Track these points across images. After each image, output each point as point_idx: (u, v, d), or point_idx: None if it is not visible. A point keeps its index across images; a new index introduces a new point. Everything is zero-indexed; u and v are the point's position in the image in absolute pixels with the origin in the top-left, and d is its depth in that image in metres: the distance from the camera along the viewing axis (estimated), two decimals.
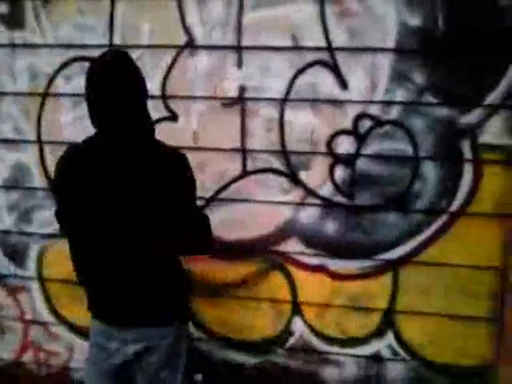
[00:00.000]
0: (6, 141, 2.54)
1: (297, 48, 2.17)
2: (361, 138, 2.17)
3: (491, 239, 2.13)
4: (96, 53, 2.18)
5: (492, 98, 2.05)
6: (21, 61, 2.46)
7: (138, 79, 1.62)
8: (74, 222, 1.65)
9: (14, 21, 2.45)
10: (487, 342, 2.23)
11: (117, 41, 2.35)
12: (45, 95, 2.46)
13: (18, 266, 2.62)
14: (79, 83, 2.38)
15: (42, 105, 2.48)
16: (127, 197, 1.58)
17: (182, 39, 2.29)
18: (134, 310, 1.66)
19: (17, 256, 2.62)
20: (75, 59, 2.42)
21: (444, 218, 2.16)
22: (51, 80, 2.45)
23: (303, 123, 2.23)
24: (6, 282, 2.66)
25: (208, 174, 2.33)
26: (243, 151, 2.29)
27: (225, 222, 2.35)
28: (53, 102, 2.45)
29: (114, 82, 1.55)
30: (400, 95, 2.11)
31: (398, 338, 2.30)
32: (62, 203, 1.68)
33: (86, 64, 2.27)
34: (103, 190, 1.58)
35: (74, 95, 2.42)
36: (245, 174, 2.31)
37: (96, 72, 1.57)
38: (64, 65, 2.42)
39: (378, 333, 2.32)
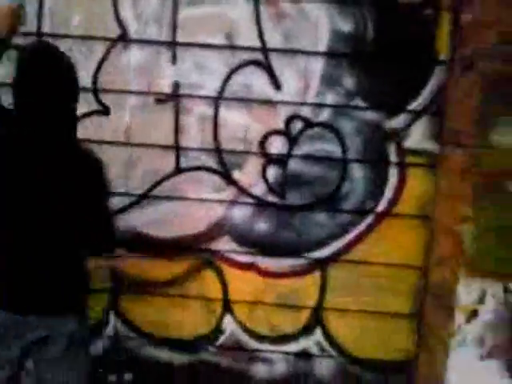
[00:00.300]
0: None
1: (231, 47, 2.24)
2: (292, 139, 2.28)
3: (414, 239, 2.31)
4: (24, 41, 2.20)
5: (416, 103, 2.21)
6: None
7: (70, 74, 1.68)
8: None
9: None
10: (410, 337, 2.40)
11: (45, 29, 2.33)
12: None
13: None
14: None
15: None
16: (41, 188, 1.64)
17: (115, 32, 2.30)
18: (36, 298, 1.70)
19: None
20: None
21: (370, 218, 2.31)
22: None
23: (237, 122, 2.30)
24: None
25: (140, 171, 2.36)
26: (176, 148, 2.34)
27: (157, 220, 2.38)
28: None
29: (46, 73, 1.60)
30: (330, 98, 2.23)
31: (326, 334, 2.43)
32: None
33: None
34: (21, 176, 1.64)
35: None
36: (178, 171, 2.35)
37: (28, 62, 1.60)
38: None
39: (307, 330, 2.44)
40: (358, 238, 2.30)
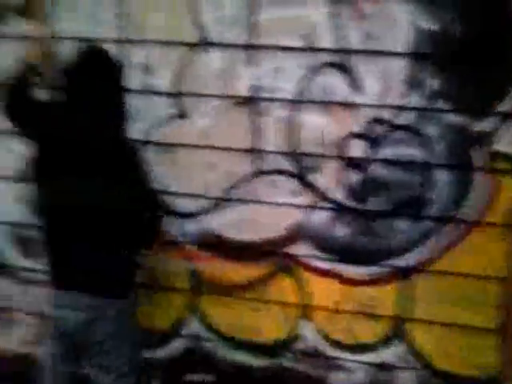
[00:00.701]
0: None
1: (311, 49, 2.38)
2: (373, 142, 2.40)
3: (502, 249, 2.35)
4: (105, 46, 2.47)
5: (505, 105, 2.24)
6: None
7: (117, 77, 2.05)
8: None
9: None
10: (495, 353, 2.45)
11: (125, 35, 2.58)
12: None
13: (29, 258, 2.94)
14: None
15: None
16: (91, 180, 1.99)
17: (194, 36, 2.52)
18: (86, 278, 2.01)
19: (26, 248, 2.94)
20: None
21: (455, 226, 2.38)
22: None
23: (315, 125, 2.45)
24: (19, 274, 2.98)
25: (218, 174, 2.57)
26: (254, 151, 2.54)
27: (234, 223, 2.59)
28: None
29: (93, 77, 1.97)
30: (414, 100, 2.32)
31: (407, 346, 2.54)
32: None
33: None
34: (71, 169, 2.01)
35: None
36: (255, 174, 2.55)
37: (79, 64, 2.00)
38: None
39: (387, 340, 2.55)
40: (443, 247, 2.37)
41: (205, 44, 2.48)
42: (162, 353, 2.80)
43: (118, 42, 2.57)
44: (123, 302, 2.10)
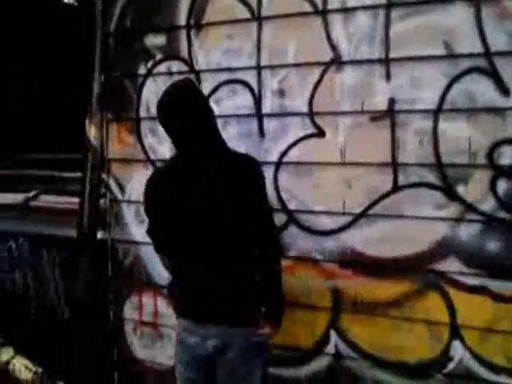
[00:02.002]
0: (164, 161, 2.93)
1: (450, 56, 2.22)
2: None
3: None
4: (244, 75, 2.49)
5: None
6: None
7: (200, 103, 1.98)
8: (169, 236, 2.03)
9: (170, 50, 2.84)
10: None
11: (264, 62, 2.60)
12: None
13: None
14: (228, 105, 2.69)
15: None
16: (212, 206, 1.92)
17: (327, 56, 2.45)
18: (215, 309, 1.98)
19: None
20: (225, 82, 2.72)
21: None
22: None
23: (459, 134, 2.27)
24: (165, 292, 3.05)
25: (358, 190, 2.48)
26: (394, 165, 2.39)
27: (377, 239, 2.48)
28: None
29: (179, 109, 1.92)
30: None
31: None
32: (156, 222, 2.07)
33: (236, 86, 2.60)
34: (189, 203, 1.93)
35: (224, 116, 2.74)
36: (396, 188, 2.41)
37: (165, 102, 1.95)
38: (215, 88, 2.74)
39: None
40: None
41: (339, 62, 2.37)
42: (304, 371, 2.68)
43: (254, 68, 2.60)
44: (251, 329, 2.04)
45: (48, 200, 3.71)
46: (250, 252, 2.02)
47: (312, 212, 2.59)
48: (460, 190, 2.31)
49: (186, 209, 1.95)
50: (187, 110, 1.94)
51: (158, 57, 2.92)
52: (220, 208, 1.92)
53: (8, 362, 3.50)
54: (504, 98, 2.17)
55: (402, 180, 2.41)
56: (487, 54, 2.17)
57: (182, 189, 1.96)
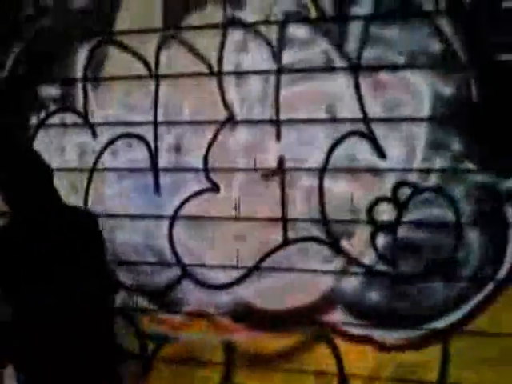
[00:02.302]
0: None
1: (333, 120, 2.41)
2: (401, 206, 2.35)
3: None
4: (141, 130, 2.53)
5: None
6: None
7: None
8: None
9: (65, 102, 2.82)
10: None
11: (161, 118, 2.66)
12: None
13: None
14: (125, 158, 2.70)
15: (90, 179, 2.78)
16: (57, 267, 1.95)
17: (222, 114, 2.56)
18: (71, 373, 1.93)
19: None
20: (122, 135, 2.73)
21: (491, 285, 2.27)
22: (98, 156, 2.77)
23: (343, 192, 2.43)
24: None
25: (249, 244, 2.55)
26: (284, 220, 2.50)
27: (267, 292, 2.55)
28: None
29: None
30: (438, 162, 2.29)
31: None
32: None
33: (132, 141, 2.63)
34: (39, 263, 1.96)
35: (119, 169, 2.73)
36: (286, 242, 2.51)
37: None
38: (111, 141, 2.74)
39: None
40: (479, 308, 2.27)
41: (233, 122, 2.48)
42: None
43: (151, 124, 2.64)
44: None
45: None
46: None
47: (206, 266, 2.62)
48: (344, 244, 2.45)
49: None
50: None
51: (52, 108, 2.87)
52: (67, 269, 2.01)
53: None
54: (381, 159, 2.37)
55: (291, 234, 2.52)
56: (365, 119, 2.37)
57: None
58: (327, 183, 2.46)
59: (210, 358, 2.64)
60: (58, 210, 2.05)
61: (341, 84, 2.41)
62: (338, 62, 2.40)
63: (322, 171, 2.45)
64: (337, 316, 2.48)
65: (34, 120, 2.92)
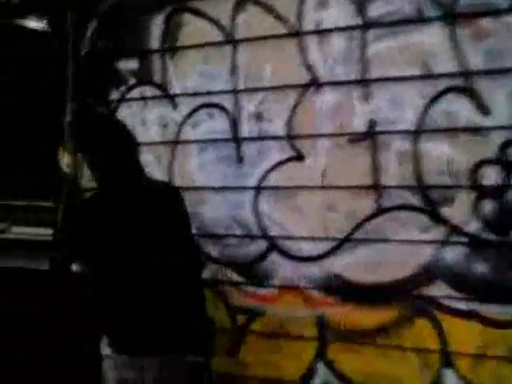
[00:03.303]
0: None
1: (428, 76, 2.21)
2: (509, 167, 2.13)
3: None
4: (220, 99, 2.47)
5: None
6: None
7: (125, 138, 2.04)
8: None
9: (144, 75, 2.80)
10: None
11: (240, 85, 2.57)
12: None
13: None
14: (205, 129, 2.65)
15: (173, 152, 2.77)
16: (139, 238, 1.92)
17: (305, 78, 2.43)
18: (152, 339, 1.92)
19: None
20: (201, 106, 2.68)
21: None
22: (180, 128, 2.75)
23: (441, 154, 2.25)
24: None
25: (339, 214, 2.44)
26: (376, 188, 2.35)
27: (361, 264, 2.43)
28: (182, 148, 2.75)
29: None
30: None
31: None
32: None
33: (212, 111, 2.57)
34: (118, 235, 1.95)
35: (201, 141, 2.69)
36: (379, 212, 2.37)
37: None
38: (191, 112, 2.70)
39: None
40: None
41: (316, 84, 2.35)
42: None
43: (231, 92, 2.58)
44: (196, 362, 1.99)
45: (20, 231, 3.61)
46: None
47: (294, 238, 2.54)
48: (444, 211, 2.27)
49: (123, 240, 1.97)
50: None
51: (131, 81, 2.87)
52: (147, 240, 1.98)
53: None
54: (483, 117, 2.15)
55: (384, 202, 2.37)
56: (465, 73, 2.15)
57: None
58: (423, 146, 2.28)
59: (301, 332, 2.58)
60: (144, 185, 2.04)
61: (435, 36, 2.20)
62: (431, 12, 2.17)
63: (417, 133, 2.27)
64: (438, 289, 2.32)
65: (114, 95, 2.92)
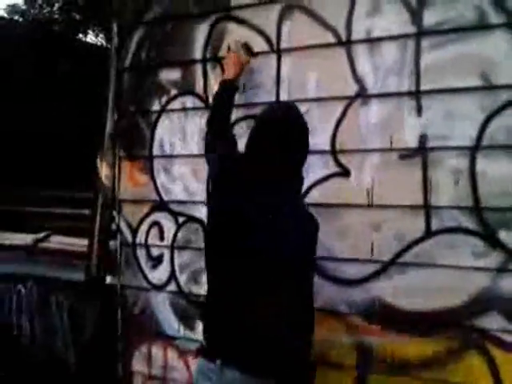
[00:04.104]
0: (178, 202, 2.78)
1: (489, 88, 2.03)
2: None
3: None
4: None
5: None
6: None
7: (306, 135, 1.87)
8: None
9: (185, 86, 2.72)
10: None
11: (283, 96, 2.45)
12: None
13: (188, 328, 2.78)
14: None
15: None
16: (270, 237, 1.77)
17: (352, 89, 2.29)
18: (237, 350, 1.76)
19: (186, 318, 2.79)
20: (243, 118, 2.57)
21: None
22: None
23: (500, 173, 2.06)
24: (175, 343, 2.83)
25: (385, 235, 2.27)
26: (427, 208, 2.18)
27: (406, 290, 2.25)
28: None
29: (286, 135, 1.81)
30: None
31: None
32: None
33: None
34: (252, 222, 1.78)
35: None
36: (429, 234, 2.19)
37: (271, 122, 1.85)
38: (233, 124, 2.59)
39: None
40: None
41: (365, 96, 2.20)
42: None
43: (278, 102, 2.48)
44: None
45: (58, 241, 3.58)
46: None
47: (336, 259, 2.38)
48: (502, 236, 2.07)
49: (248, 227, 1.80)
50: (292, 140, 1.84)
51: (173, 92, 2.80)
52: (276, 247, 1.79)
53: None
54: None
55: (435, 225, 2.19)
56: None
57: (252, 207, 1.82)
58: (480, 164, 2.10)
59: (341, 360, 2.40)
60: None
61: (498, 44, 2.03)
62: (495, 18, 1.99)
63: (474, 149, 2.09)
64: (492, 321, 2.12)
65: (156, 106, 2.86)
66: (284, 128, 1.84)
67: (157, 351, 2.90)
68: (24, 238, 3.60)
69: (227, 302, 1.85)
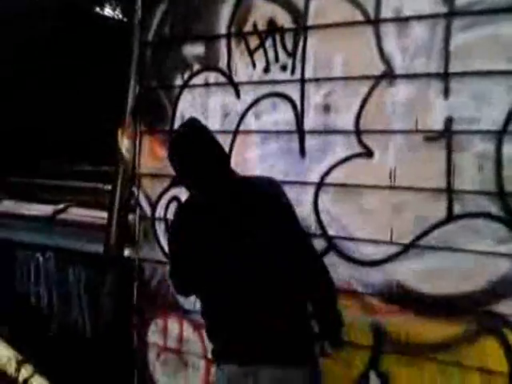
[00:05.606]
0: None
1: None
2: None
3: None
4: (286, 89, 2.32)
5: None
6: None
7: (212, 147, 1.84)
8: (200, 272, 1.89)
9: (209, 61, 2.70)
10: None
11: (308, 75, 2.43)
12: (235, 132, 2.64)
13: None
14: (268, 119, 2.52)
15: (233, 142, 2.66)
16: (242, 242, 1.80)
17: (378, 69, 2.26)
18: (262, 348, 1.79)
19: None
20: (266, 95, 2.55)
21: None
22: (241, 118, 2.62)
23: None
24: (191, 317, 2.86)
25: (407, 218, 2.26)
26: (449, 192, 2.16)
27: (426, 273, 2.25)
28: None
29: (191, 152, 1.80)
30: None
31: None
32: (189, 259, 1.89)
33: (277, 100, 2.43)
34: (221, 240, 1.83)
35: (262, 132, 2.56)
36: (451, 218, 2.17)
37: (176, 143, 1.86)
38: (254, 102, 2.58)
39: None
40: None
41: (391, 76, 2.17)
42: None
43: (298, 81, 2.46)
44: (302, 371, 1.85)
45: (77, 213, 3.61)
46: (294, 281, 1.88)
47: (355, 239, 2.37)
48: None
49: (220, 246, 1.85)
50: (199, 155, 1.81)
51: (196, 67, 2.78)
52: (253, 243, 1.81)
53: (26, 381, 3.37)
54: None
55: (457, 209, 2.17)
56: None
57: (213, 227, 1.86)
58: (506, 148, 2.06)
59: (355, 339, 2.41)
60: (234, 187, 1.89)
61: None
62: None
63: (501, 133, 2.06)
64: (510, 307, 2.10)
65: (178, 81, 2.85)
66: (183, 143, 1.84)
67: (172, 324, 2.93)
68: (44, 209, 3.63)
69: (237, 309, 1.84)
